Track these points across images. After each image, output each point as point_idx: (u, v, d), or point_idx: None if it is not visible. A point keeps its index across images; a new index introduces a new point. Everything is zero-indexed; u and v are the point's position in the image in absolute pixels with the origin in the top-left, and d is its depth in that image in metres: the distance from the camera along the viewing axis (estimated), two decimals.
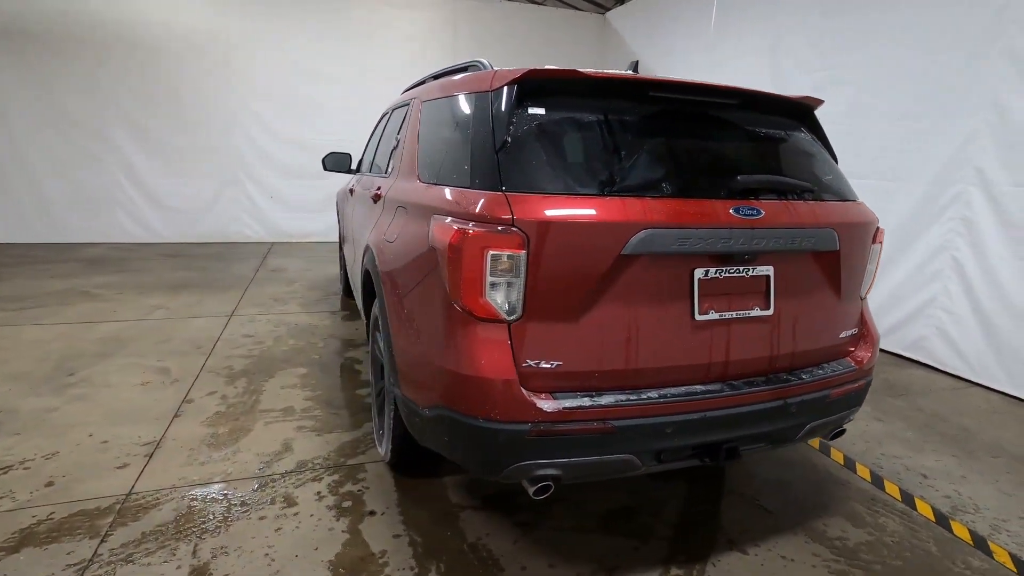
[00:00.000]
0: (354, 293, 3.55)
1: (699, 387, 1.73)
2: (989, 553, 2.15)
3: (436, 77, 2.75)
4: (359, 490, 2.33)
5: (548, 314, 1.59)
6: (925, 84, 4.00)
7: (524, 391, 1.56)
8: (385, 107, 3.90)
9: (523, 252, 1.53)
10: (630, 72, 2.04)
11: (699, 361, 1.73)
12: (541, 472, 1.60)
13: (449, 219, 1.64)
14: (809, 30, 5.09)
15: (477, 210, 1.57)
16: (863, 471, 2.69)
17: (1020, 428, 3.23)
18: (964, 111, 3.78)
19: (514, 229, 1.52)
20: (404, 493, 2.32)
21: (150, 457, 2.50)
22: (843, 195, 1.97)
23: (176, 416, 2.88)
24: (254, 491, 2.28)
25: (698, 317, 1.69)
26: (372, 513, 2.19)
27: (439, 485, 2.38)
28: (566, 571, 1.94)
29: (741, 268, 1.74)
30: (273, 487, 2.32)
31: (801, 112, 2.06)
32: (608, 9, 8.84)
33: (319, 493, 2.30)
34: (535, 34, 8.58)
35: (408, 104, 2.77)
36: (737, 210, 1.67)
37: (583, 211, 1.55)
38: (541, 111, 1.72)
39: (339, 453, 2.60)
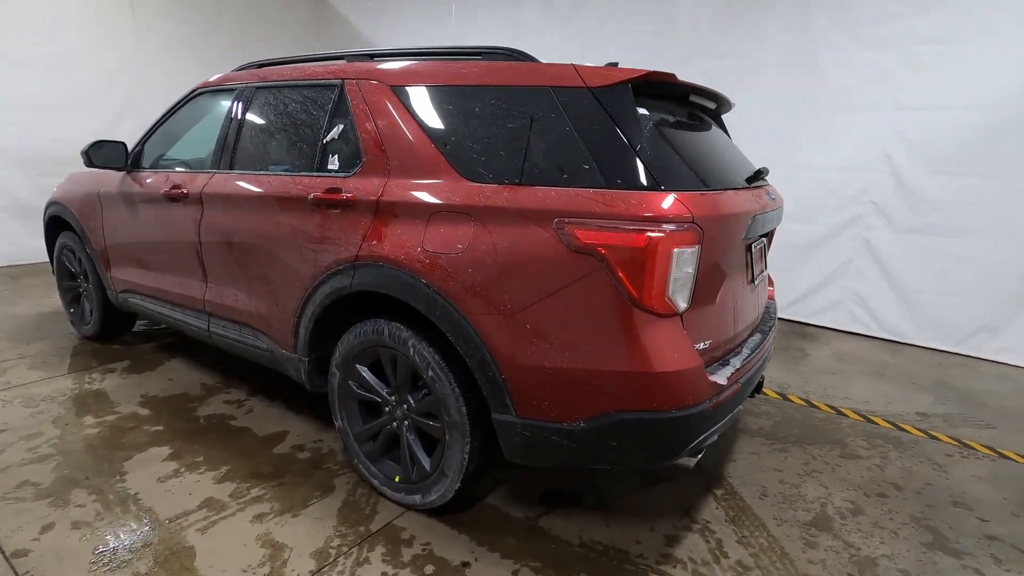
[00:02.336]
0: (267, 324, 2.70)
1: (755, 338, 2.16)
2: (815, 407, 3.30)
3: (372, 56, 2.31)
4: (423, 550, 1.97)
5: (702, 300, 1.74)
6: None
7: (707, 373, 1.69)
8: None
9: (699, 247, 1.64)
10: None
11: (753, 316, 2.16)
12: (709, 440, 1.77)
13: (613, 222, 1.59)
14: (543, 29, 5.98)
15: (652, 212, 1.58)
16: None
17: None
18: None
19: (695, 226, 1.61)
20: (469, 531, 2.07)
21: None
22: None
23: None
24: None
25: (754, 282, 2.11)
26: (466, 564, 1.91)
27: (488, 509, 2.20)
28: (664, 526, 2.15)
29: (759, 241, 2.22)
30: None
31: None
32: None
33: (386, 574, 1.85)
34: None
35: (334, 86, 2.25)
36: (768, 195, 2.13)
37: (729, 204, 1.74)
38: (645, 111, 1.79)
39: (347, 523, 2.08)
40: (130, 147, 3.12)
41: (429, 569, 1.88)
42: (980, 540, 2.17)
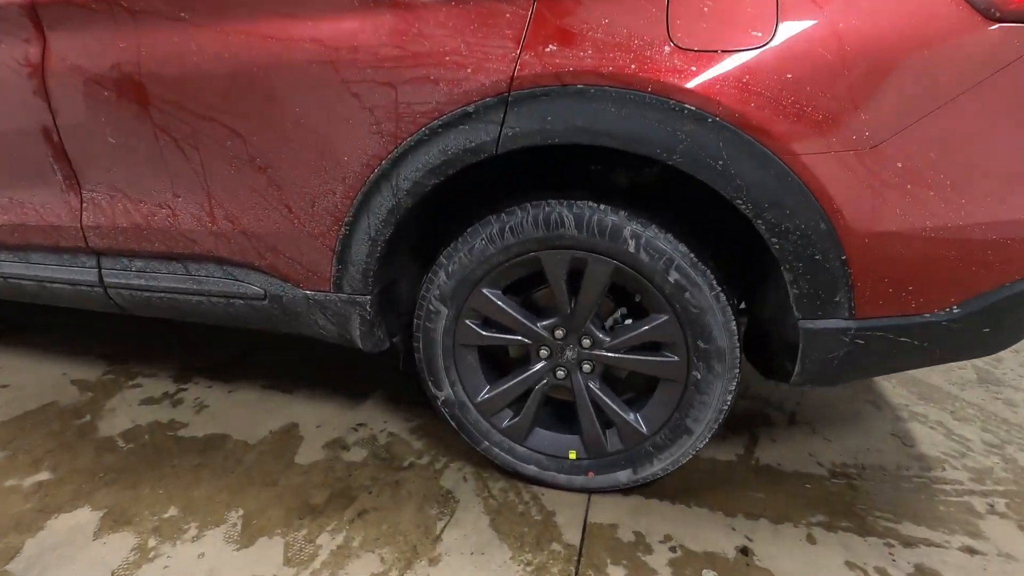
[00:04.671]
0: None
1: None
2: None
3: None
4: (674, 550, 1.26)
5: None
6: None
7: None
8: None
9: None
10: None
11: None
12: None
13: None
14: None
15: None
16: None
17: None
18: None
19: None
20: (697, 502, 1.40)
21: None
22: None
23: None
24: None
25: None
26: (745, 551, 1.26)
27: (685, 478, 1.55)
28: (878, 426, 1.73)
29: None
30: None
31: None
32: None
33: None
34: None
35: None
36: None
37: None
38: None
39: (527, 546, 1.26)
40: None
41: (710, 575, 1.21)
42: None
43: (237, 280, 1.40)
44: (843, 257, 1.06)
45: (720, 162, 1.02)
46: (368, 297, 1.32)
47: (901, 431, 1.72)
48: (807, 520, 1.36)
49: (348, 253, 1.27)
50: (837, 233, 1.04)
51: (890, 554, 1.27)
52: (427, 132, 1.12)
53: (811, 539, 1.31)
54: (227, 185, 1.30)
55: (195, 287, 1.43)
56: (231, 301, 1.42)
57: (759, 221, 1.05)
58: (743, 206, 1.05)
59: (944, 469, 1.55)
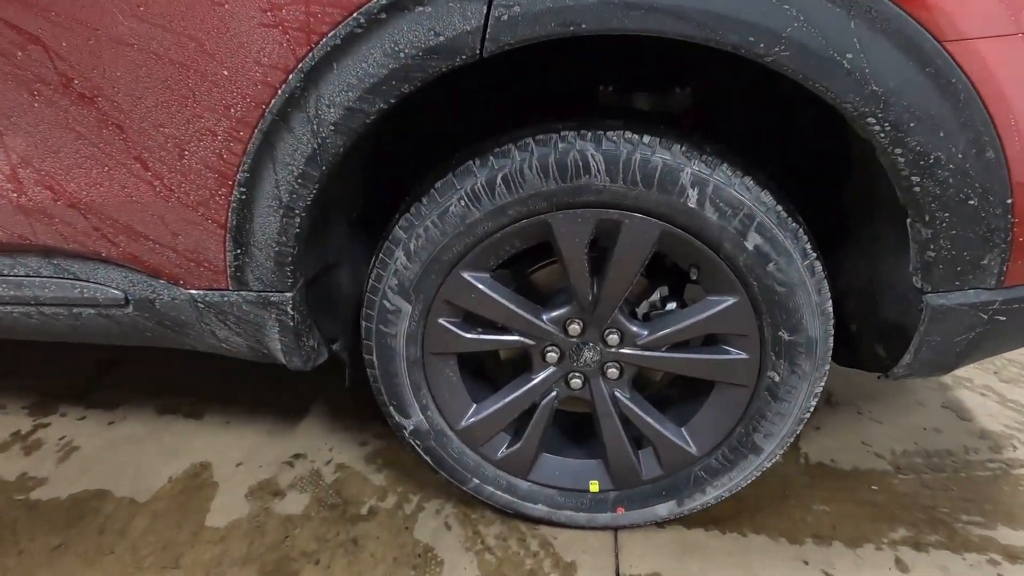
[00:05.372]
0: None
1: None
2: None
3: None
4: None
5: None
6: None
7: None
8: None
9: None
10: None
11: None
12: None
13: None
14: None
15: None
16: None
17: None
18: None
19: None
20: (753, 526, 1.09)
21: None
22: None
23: None
24: None
25: None
26: None
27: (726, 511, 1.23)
28: (927, 399, 1.48)
29: None
30: None
31: None
32: None
33: None
34: None
35: None
36: None
37: None
38: None
39: None
40: None
41: None
42: None
43: (79, 280, 0.91)
44: (1008, 201, 0.71)
45: (849, 55, 0.64)
46: (289, 294, 0.88)
47: (952, 402, 1.47)
48: (888, 538, 1.08)
49: (249, 230, 0.82)
50: (1008, 165, 0.70)
51: (999, 575, 1.02)
52: (361, 22, 0.67)
53: (901, 565, 1.03)
54: (33, 129, 0.80)
55: (12, 293, 0.93)
56: (74, 311, 0.94)
57: (897, 150, 0.68)
58: (875, 126, 0.67)
59: (1015, 448, 1.31)
